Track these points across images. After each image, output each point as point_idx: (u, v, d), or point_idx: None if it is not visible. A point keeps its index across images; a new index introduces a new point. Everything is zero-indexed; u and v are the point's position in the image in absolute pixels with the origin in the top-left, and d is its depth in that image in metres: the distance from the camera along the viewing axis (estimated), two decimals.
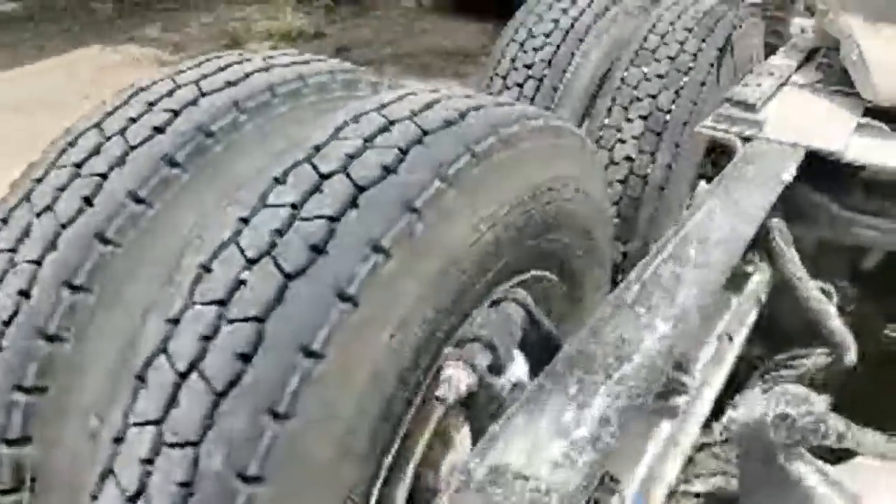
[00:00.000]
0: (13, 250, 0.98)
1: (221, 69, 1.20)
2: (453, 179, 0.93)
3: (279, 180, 0.92)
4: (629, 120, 2.01)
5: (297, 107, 1.19)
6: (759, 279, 1.21)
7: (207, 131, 1.08)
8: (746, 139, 1.29)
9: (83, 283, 0.95)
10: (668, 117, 1.97)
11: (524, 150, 1.09)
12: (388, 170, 0.92)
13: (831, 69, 1.59)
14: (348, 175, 0.91)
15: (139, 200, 1.01)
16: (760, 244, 1.26)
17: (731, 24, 2.14)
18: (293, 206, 0.88)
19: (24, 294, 0.94)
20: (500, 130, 1.04)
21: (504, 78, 2.19)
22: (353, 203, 0.87)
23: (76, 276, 0.95)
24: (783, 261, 1.26)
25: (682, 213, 1.60)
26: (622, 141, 2.01)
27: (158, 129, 1.07)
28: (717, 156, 1.37)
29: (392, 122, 1.00)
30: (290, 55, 1.30)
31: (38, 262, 0.95)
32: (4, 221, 1.02)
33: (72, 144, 1.08)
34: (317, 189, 0.90)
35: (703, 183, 1.66)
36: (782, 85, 1.53)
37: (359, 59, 5.58)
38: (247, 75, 1.18)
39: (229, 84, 1.15)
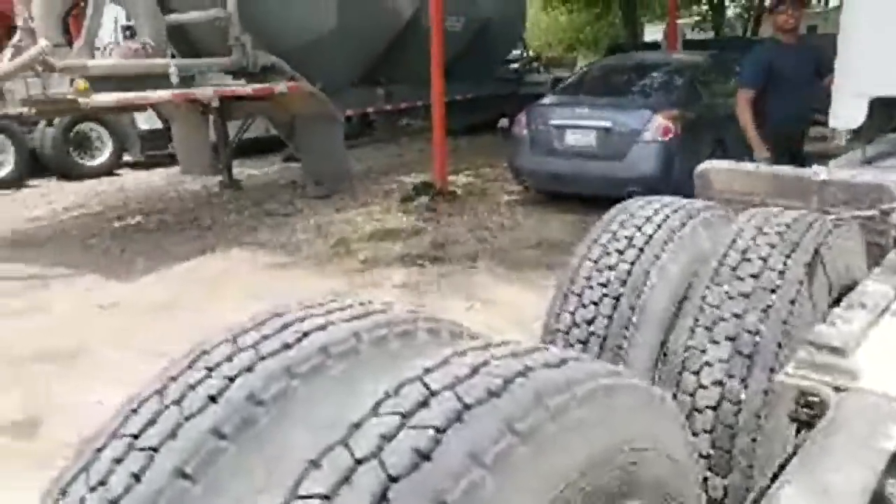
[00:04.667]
0: None
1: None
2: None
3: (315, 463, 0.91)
4: (715, 342, 1.91)
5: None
6: None
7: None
8: (838, 389, 1.15)
9: None
10: (757, 339, 1.86)
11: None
12: (421, 455, 0.89)
13: None
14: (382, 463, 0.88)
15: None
16: None
17: (819, 235, 2.05)
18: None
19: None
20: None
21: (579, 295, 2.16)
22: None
23: None
24: None
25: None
26: (709, 364, 1.90)
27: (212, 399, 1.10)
28: (808, 403, 1.22)
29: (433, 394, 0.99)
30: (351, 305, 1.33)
31: None
32: None
33: (134, 412, 1.13)
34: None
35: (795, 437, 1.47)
36: (880, 316, 1.39)
37: (454, 254, 5.82)
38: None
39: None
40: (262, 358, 1.17)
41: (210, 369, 1.17)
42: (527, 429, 0.95)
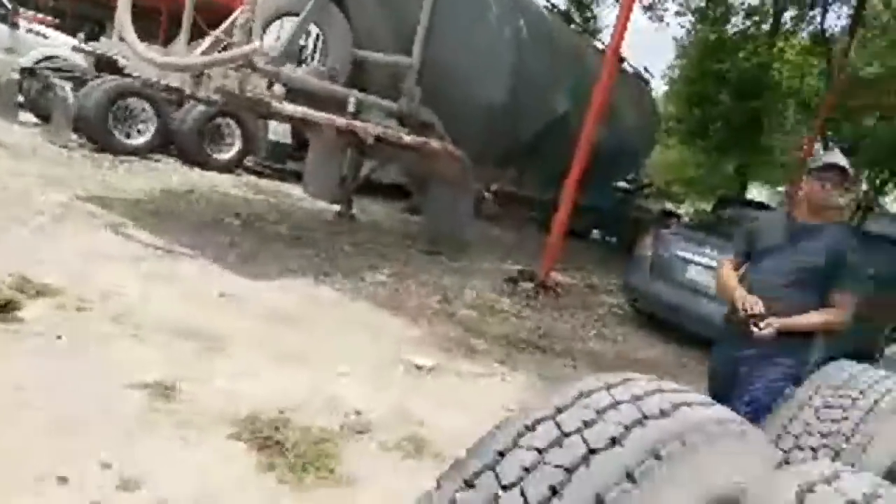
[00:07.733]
0: None
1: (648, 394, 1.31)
2: None
3: None
4: None
5: None
6: None
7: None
8: None
9: None
10: None
11: None
12: None
13: None
14: None
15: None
16: None
17: None
18: None
19: None
20: None
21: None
22: None
23: None
24: None
25: None
26: None
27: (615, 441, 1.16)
28: None
29: None
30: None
31: None
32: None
33: (529, 429, 1.19)
34: None
35: None
36: None
37: (557, 348, 5.82)
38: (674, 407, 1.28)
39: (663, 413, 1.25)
40: (653, 415, 1.23)
41: (598, 412, 1.24)
42: None
